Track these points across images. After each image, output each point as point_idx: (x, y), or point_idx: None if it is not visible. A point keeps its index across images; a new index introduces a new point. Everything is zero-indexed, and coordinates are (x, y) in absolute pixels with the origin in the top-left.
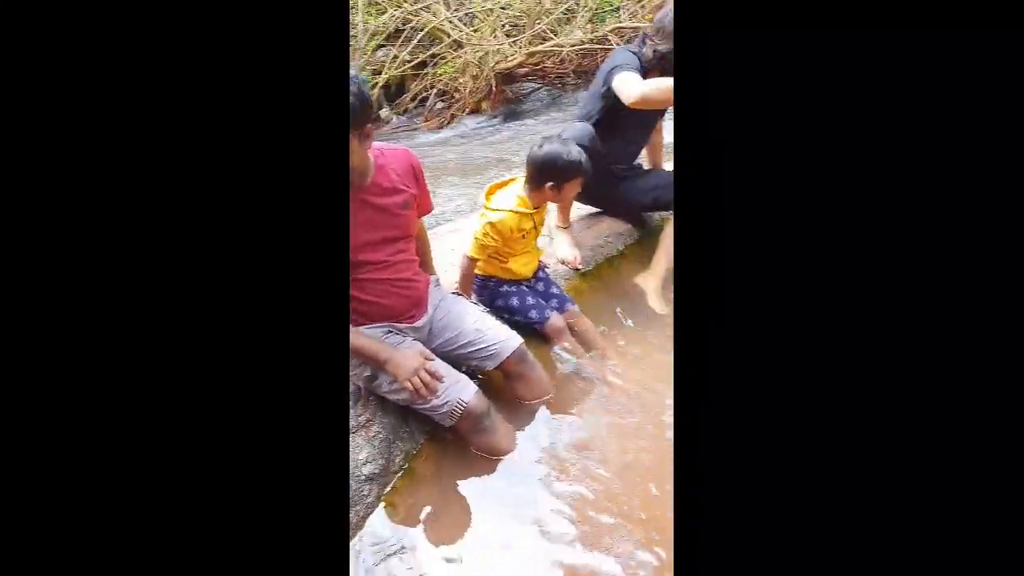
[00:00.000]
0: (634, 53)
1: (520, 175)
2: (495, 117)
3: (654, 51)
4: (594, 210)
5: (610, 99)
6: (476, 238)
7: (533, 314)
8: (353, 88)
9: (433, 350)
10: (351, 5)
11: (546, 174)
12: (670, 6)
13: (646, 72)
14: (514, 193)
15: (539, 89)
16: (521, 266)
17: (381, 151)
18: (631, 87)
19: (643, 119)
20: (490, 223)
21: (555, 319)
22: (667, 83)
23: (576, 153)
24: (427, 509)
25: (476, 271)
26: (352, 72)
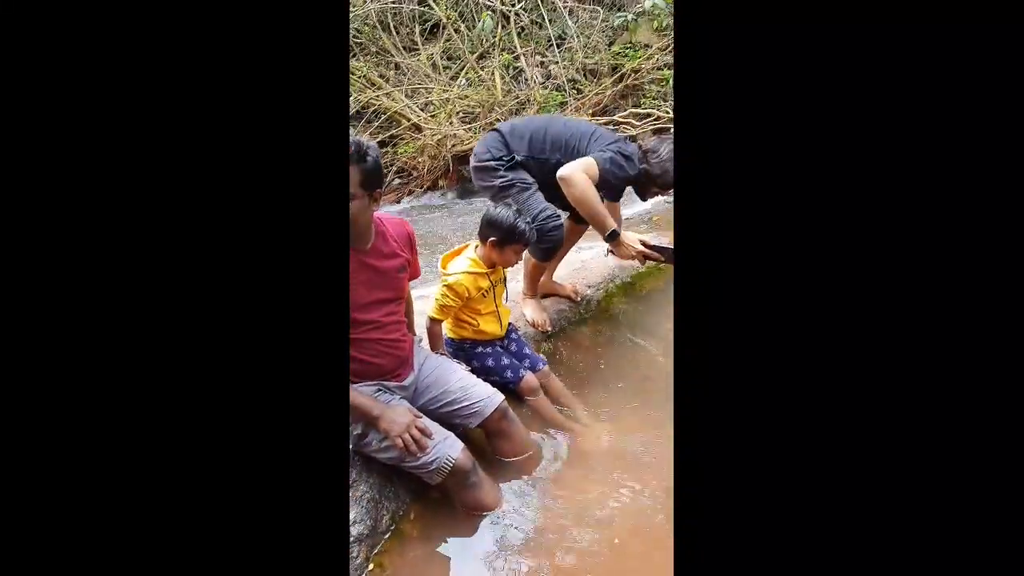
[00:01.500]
0: (631, 159)
1: (472, 241)
2: (451, 194)
3: (645, 170)
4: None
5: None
6: (436, 300)
7: (508, 374)
8: (372, 153)
9: (419, 408)
10: None
11: (491, 231)
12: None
13: (625, 180)
14: (466, 257)
15: None
16: (490, 324)
17: (380, 218)
18: (577, 170)
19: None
20: (447, 285)
21: (529, 378)
22: (598, 205)
23: (523, 226)
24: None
25: (451, 335)
26: (366, 140)
